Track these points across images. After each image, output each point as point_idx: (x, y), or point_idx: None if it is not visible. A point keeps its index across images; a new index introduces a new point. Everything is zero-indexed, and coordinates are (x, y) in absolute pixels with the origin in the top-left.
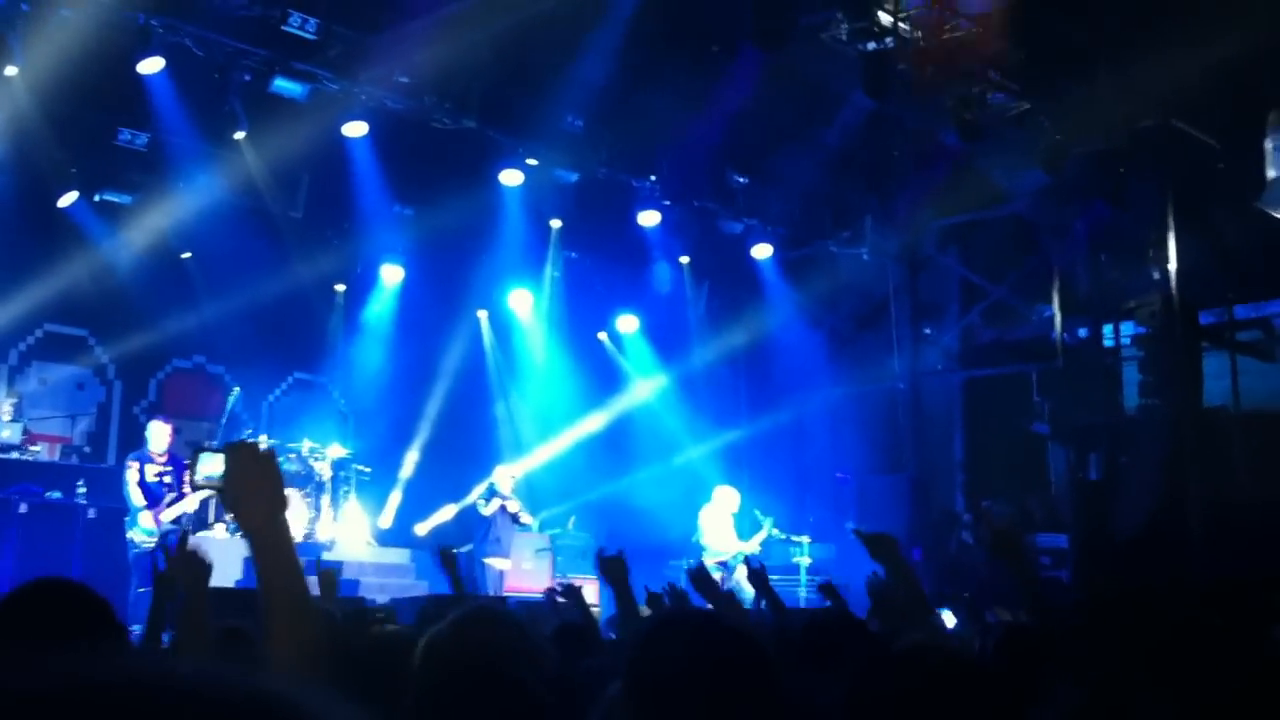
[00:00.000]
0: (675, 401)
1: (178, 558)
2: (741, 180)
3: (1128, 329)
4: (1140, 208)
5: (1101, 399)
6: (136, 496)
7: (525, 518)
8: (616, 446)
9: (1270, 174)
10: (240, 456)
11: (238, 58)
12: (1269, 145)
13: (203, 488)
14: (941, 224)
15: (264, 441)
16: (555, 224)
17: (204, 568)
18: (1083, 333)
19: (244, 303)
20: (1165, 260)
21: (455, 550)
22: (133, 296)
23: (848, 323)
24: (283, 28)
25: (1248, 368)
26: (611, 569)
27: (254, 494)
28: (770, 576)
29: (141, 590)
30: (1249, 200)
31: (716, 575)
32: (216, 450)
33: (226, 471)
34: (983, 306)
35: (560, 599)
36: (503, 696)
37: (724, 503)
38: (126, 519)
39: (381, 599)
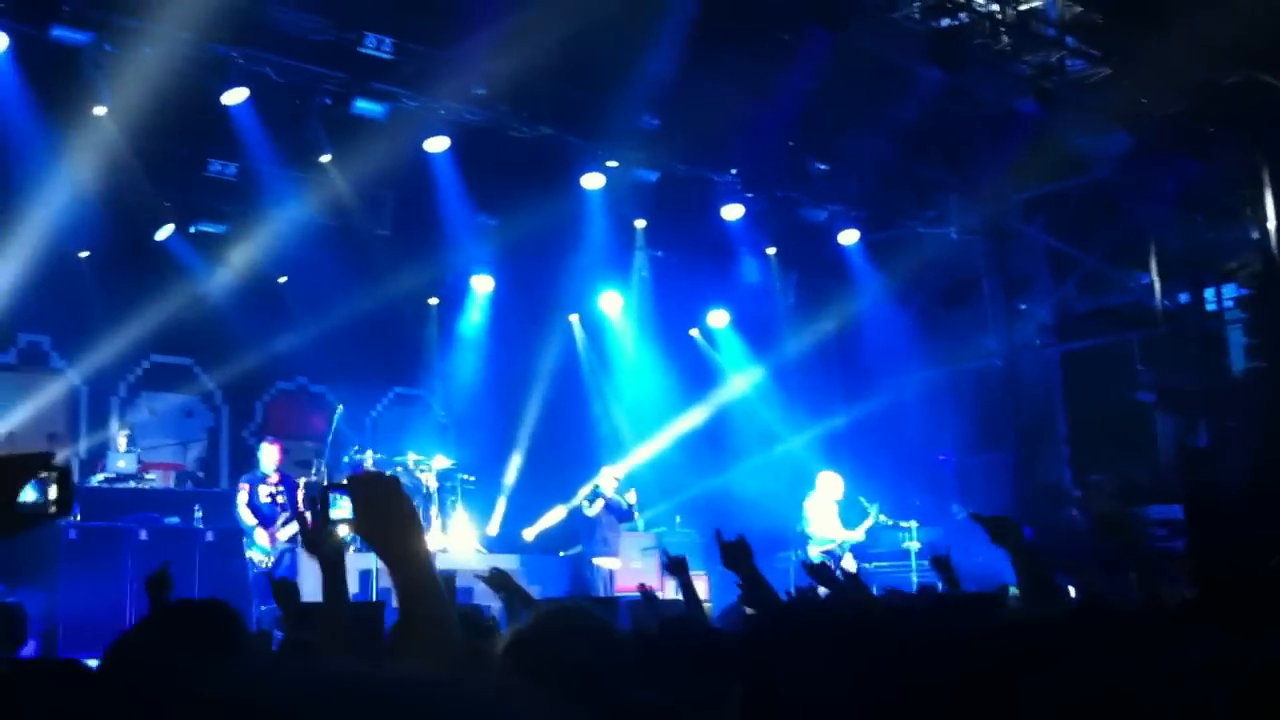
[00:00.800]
0: (771, 393)
1: (311, 534)
2: (820, 166)
3: (1229, 291)
4: (1230, 165)
5: (1206, 364)
6: (247, 517)
7: (630, 497)
8: (716, 441)
9: None
10: (366, 488)
11: (317, 82)
12: None
13: (337, 527)
14: (1025, 196)
15: (369, 458)
16: (640, 224)
17: (337, 545)
18: (1183, 297)
19: (340, 322)
20: (1263, 219)
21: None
22: (233, 323)
23: (937, 302)
24: (359, 50)
25: None
26: (735, 554)
27: (388, 523)
28: (880, 563)
29: (264, 608)
30: None
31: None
32: (340, 490)
33: (355, 505)
34: (1076, 277)
35: (670, 577)
36: (580, 685)
37: (828, 490)
38: (244, 540)
39: (495, 606)
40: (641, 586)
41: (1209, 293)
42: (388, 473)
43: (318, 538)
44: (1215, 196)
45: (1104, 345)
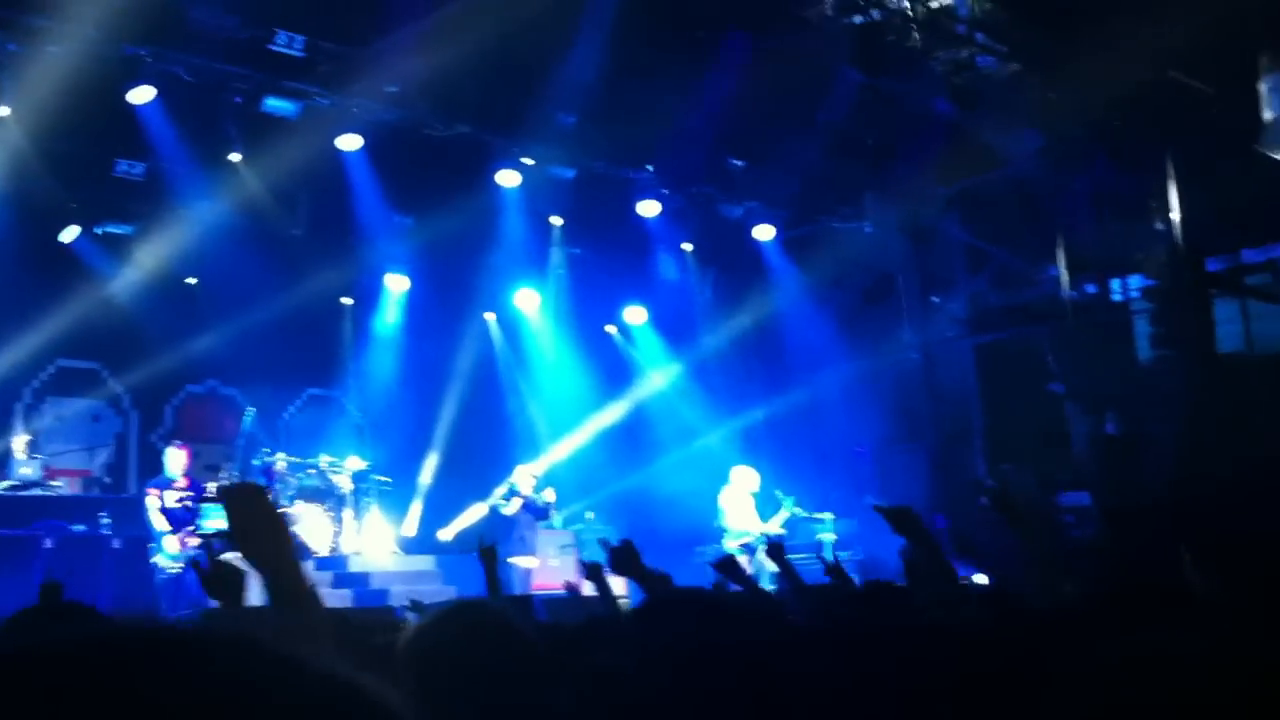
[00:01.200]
0: (689, 388)
1: (212, 574)
2: (739, 164)
3: (1135, 282)
4: (1140, 161)
5: (1114, 354)
6: (159, 522)
7: (548, 495)
8: (634, 438)
9: (1267, 116)
10: (235, 499)
11: (228, 81)
12: (1263, 88)
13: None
14: (942, 192)
15: (281, 461)
16: (556, 221)
17: (238, 579)
18: (1091, 289)
19: (252, 323)
20: (1168, 211)
21: (494, 546)
22: (141, 326)
23: (855, 297)
24: (270, 47)
25: (1259, 311)
26: (622, 560)
27: (257, 532)
28: (795, 555)
29: (174, 616)
30: (1248, 145)
31: (741, 558)
32: (214, 502)
33: (228, 515)
34: (990, 271)
35: (586, 590)
36: (482, 687)
37: (743, 484)
38: (151, 545)
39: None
40: (567, 584)
41: (1115, 284)
42: (255, 483)
43: (217, 578)
44: (1125, 192)
45: (1016, 338)
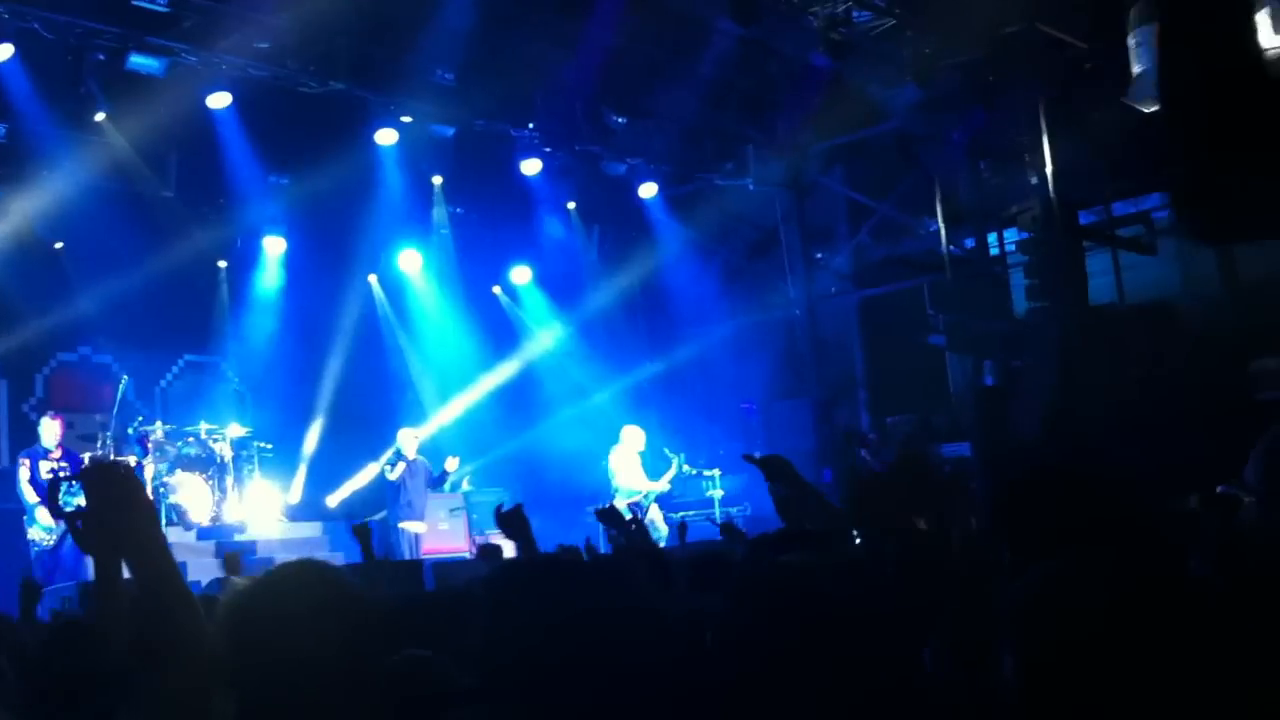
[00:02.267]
0: (578, 348)
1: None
2: (620, 120)
3: (1011, 235)
4: (1014, 113)
5: (992, 306)
6: (30, 494)
7: (451, 463)
8: (524, 398)
9: (1135, 69)
10: (98, 479)
11: (90, 37)
12: (1131, 41)
13: (70, 516)
14: (823, 147)
15: (159, 429)
16: (437, 180)
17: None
18: (969, 243)
19: (124, 289)
20: (1042, 164)
21: (368, 521)
22: (7, 292)
23: (740, 253)
24: (133, 2)
25: (1131, 262)
26: (511, 523)
27: (121, 513)
28: (686, 512)
29: (49, 588)
30: (1118, 97)
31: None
32: (76, 482)
33: (88, 497)
34: (870, 225)
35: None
36: (299, 652)
37: (631, 443)
38: (25, 518)
39: None
40: (484, 547)
41: (992, 237)
42: (121, 460)
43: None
44: (1000, 144)
45: (898, 292)
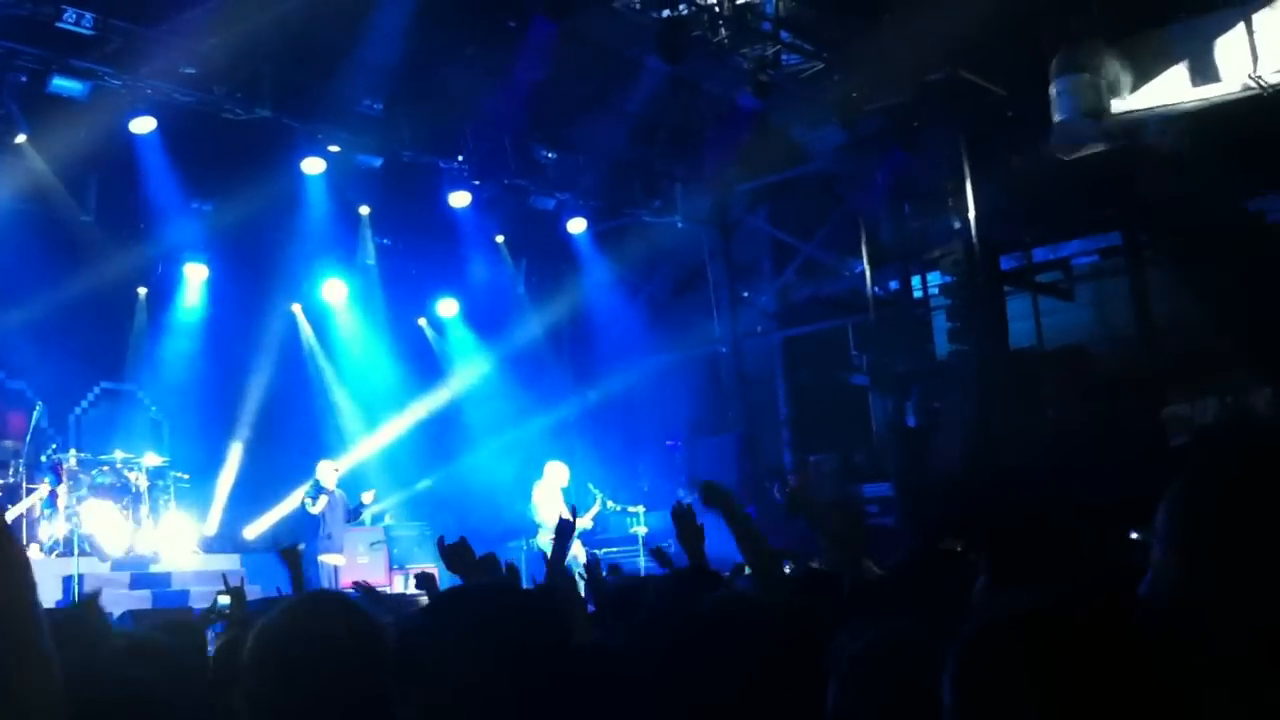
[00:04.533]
0: (502, 382)
1: None
2: (549, 155)
3: (934, 278)
4: (936, 157)
5: (914, 348)
6: None
7: (368, 496)
8: (447, 432)
9: (1056, 117)
10: None
11: (10, 58)
12: (1053, 90)
13: None
14: (749, 186)
15: (72, 457)
16: (364, 210)
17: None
18: (893, 284)
19: (40, 313)
20: (965, 209)
21: (297, 547)
22: None
23: (666, 290)
24: (57, 24)
25: (1050, 307)
26: (454, 557)
27: None
28: (609, 549)
29: None
30: (1039, 145)
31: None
32: None
33: None
34: (795, 265)
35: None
36: (338, 683)
37: (554, 478)
38: None
39: (203, 607)
40: (357, 583)
41: (915, 280)
42: None
43: None
44: (923, 187)
45: (822, 331)
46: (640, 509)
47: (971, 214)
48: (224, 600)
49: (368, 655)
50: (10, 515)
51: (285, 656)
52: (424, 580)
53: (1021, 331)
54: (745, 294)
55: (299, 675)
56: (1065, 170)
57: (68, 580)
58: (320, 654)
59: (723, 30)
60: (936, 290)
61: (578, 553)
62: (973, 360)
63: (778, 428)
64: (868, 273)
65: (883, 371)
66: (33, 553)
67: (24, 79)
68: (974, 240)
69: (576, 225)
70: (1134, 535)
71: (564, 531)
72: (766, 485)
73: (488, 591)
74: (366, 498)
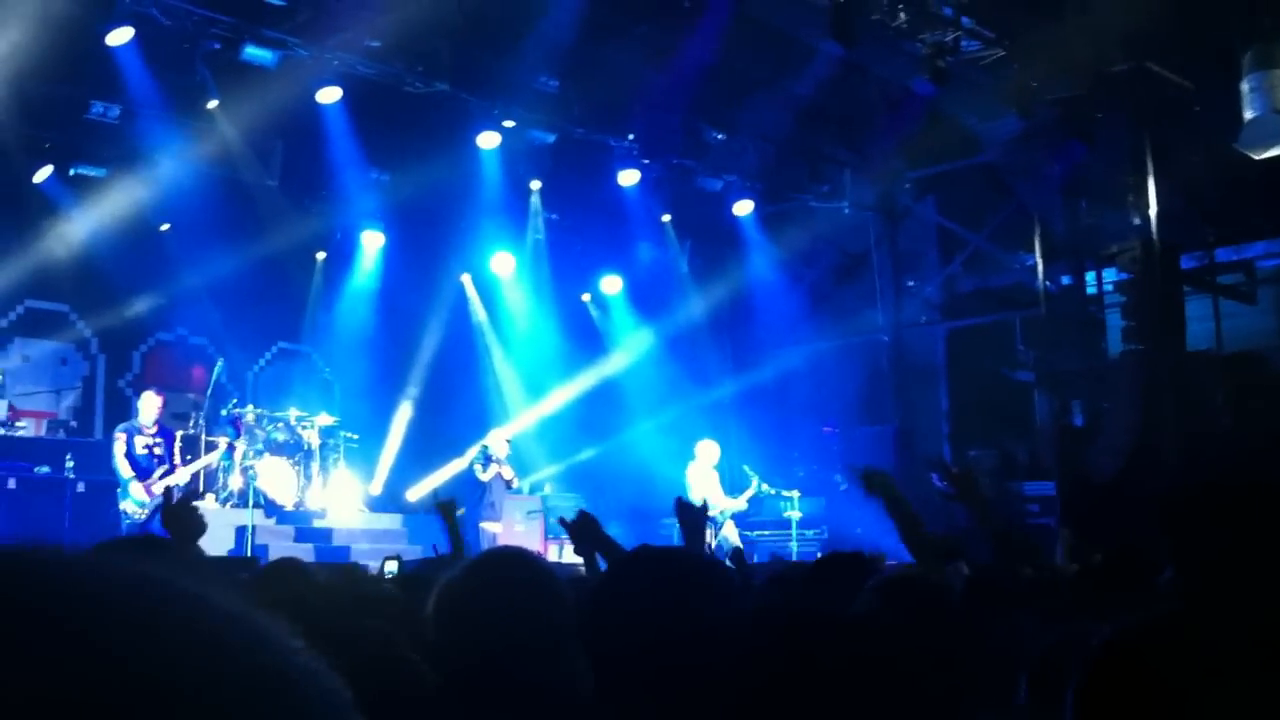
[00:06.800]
0: (661, 360)
1: (173, 509)
2: (717, 136)
3: (1110, 274)
4: (1114, 151)
5: (1084, 345)
6: (124, 468)
7: (514, 481)
8: (605, 407)
9: (1247, 115)
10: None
11: (206, 26)
12: (1245, 86)
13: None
14: (918, 175)
15: (250, 413)
16: (535, 185)
17: (198, 523)
18: (1065, 279)
19: (224, 273)
20: (1145, 205)
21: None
22: (112, 270)
23: (828, 276)
24: None
25: (1230, 310)
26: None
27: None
28: (761, 531)
29: None
30: (1226, 142)
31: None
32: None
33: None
34: (963, 256)
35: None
36: (517, 639)
37: (707, 458)
38: (118, 491)
39: (374, 565)
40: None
41: (1090, 276)
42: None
43: (176, 515)
44: (1100, 182)
45: (987, 324)
46: (795, 494)
47: (1152, 210)
48: (391, 565)
49: (548, 612)
50: (195, 468)
51: (467, 611)
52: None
53: (1199, 334)
54: (910, 283)
55: (479, 631)
56: (1252, 168)
57: (240, 530)
58: (501, 610)
59: (902, 15)
60: (1111, 287)
61: (730, 533)
62: (1146, 361)
63: (936, 420)
64: (1039, 267)
65: (1050, 368)
66: (209, 503)
67: (217, 46)
68: (1154, 237)
69: (743, 207)
70: None
71: (694, 521)
72: (926, 475)
73: (669, 554)
74: (506, 473)
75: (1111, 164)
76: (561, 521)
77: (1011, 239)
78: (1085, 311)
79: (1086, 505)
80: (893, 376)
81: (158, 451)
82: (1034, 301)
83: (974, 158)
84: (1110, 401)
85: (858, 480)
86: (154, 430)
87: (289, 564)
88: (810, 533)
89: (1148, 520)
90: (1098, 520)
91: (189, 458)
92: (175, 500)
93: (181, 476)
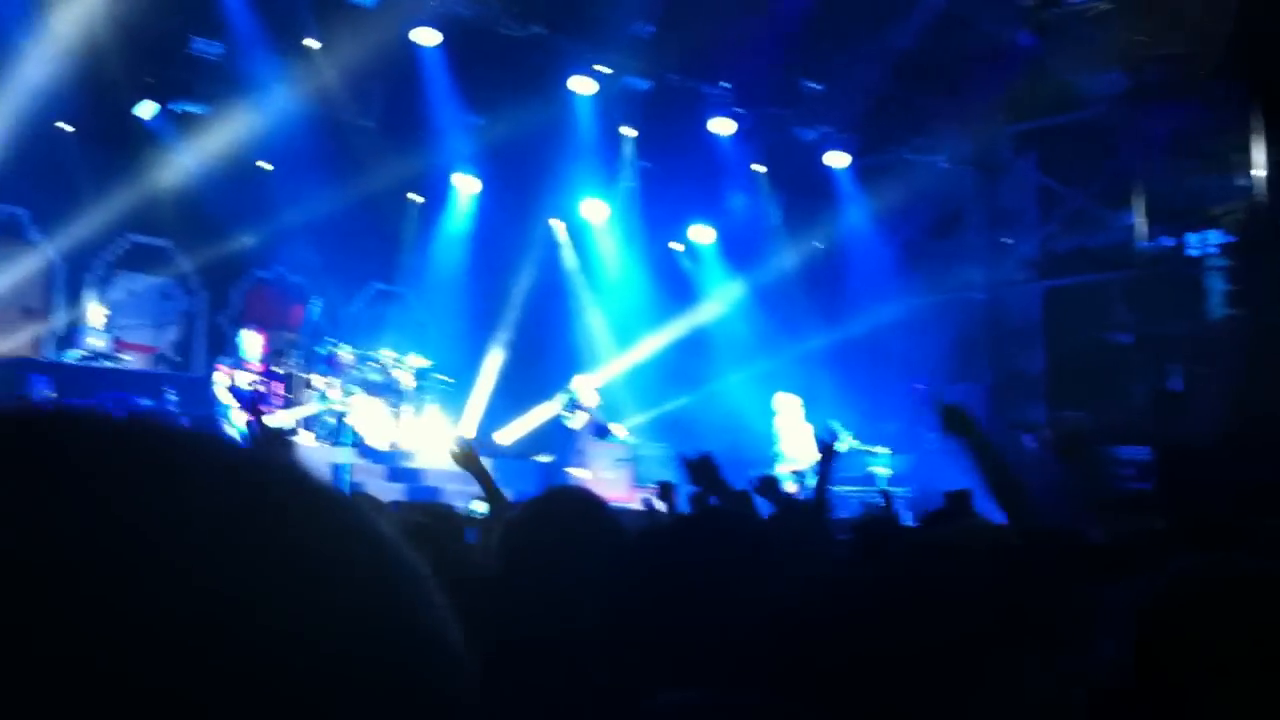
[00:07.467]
0: (752, 312)
1: (265, 441)
2: (814, 86)
3: (1214, 237)
4: (1223, 113)
5: (1185, 308)
6: (226, 398)
7: (619, 430)
8: (694, 357)
9: None
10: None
11: None
12: None
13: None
14: (1018, 129)
15: (346, 352)
16: (628, 133)
17: (287, 445)
18: (1167, 241)
19: (322, 213)
20: (1250, 166)
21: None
22: (212, 207)
23: (922, 231)
24: None
25: None
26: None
27: None
28: (848, 486)
29: None
30: None
31: (792, 485)
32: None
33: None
34: (1063, 214)
35: (658, 500)
36: (575, 573)
37: (790, 410)
38: (220, 421)
39: (462, 506)
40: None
41: (1192, 238)
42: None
43: (268, 448)
44: (1206, 142)
45: (1085, 284)
46: (884, 450)
47: (1260, 172)
48: (479, 506)
49: (605, 550)
50: (300, 414)
51: (528, 544)
52: (665, 491)
53: None
54: (1007, 241)
55: (539, 564)
56: None
57: (337, 468)
58: (558, 545)
59: None
60: (1215, 250)
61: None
62: (1248, 326)
63: (1030, 381)
64: (1140, 227)
65: (1148, 331)
66: (305, 439)
67: None
68: (1261, 199)
69: (838, 159)
70: None
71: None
72: (1019, 436)
73: (727, 515)
74: (619, 431)
75: (1218, 124)
76: (682, 458)
77: (1113, 198)
78: (1187, 274)
79: (1183, 472)
80: (987, 335)
81: (261, 389)
82: (1134, 262)
83: (1076, 114)
84: (1210, 367)
85: (939, 414)
86: (259, 368)
87: (366, 498)
88: (898, 490)
89: (1245, 490)
90: (1194, 488)
91: (290, 398)
92: (260, 429)
93: (285, 419)
